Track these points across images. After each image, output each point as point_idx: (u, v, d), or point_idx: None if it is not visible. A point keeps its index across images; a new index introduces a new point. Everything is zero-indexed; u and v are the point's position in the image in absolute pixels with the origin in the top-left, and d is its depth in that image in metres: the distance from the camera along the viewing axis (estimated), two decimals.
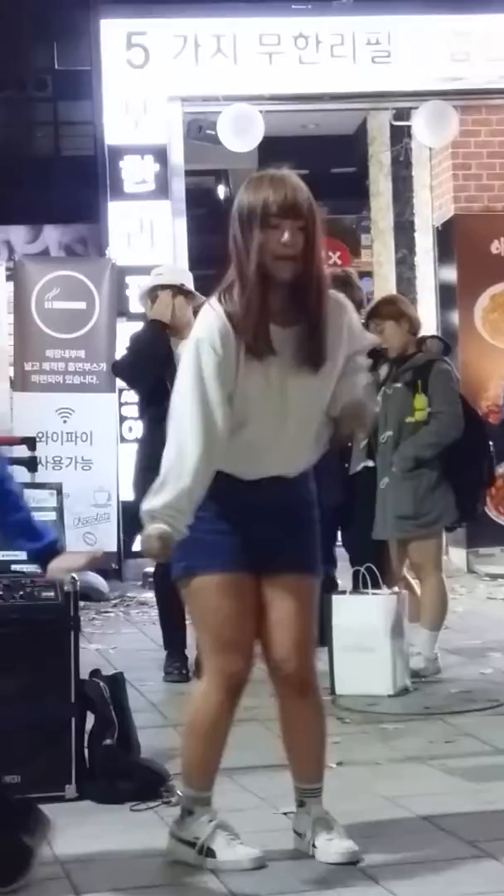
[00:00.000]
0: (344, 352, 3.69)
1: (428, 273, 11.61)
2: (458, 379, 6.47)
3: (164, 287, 6.40)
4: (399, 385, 6.16)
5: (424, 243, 11.67)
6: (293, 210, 3.55)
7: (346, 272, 7.20)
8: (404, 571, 6.43)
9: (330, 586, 6.39)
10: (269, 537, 3.65)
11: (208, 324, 3.55)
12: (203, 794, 3.70)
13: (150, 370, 6.41)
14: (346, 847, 3.63)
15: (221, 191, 15.56)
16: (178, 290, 6.38)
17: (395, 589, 6.31)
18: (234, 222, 3.58)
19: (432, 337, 6.89)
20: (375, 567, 6.06)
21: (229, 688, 3.66)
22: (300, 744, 3.76)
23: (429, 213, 11.49)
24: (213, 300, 3.61)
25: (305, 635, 3.71)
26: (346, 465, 6.52)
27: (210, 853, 3.63)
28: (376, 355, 5.75)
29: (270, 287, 3.56)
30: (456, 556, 9.61)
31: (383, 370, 6.22)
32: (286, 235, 3.53)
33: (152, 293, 6.43)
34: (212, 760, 3.72)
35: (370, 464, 6.45)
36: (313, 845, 3.65)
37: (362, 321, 6.14)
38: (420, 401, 6.18)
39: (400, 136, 12.00)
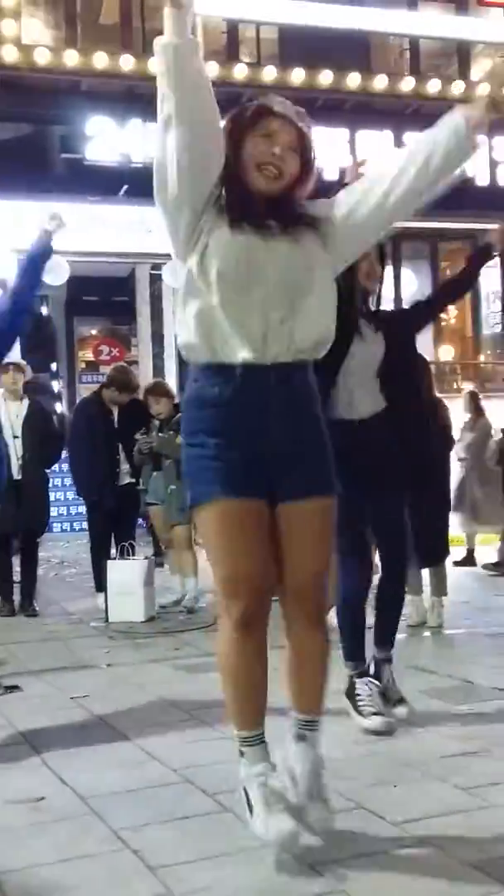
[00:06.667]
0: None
1: (171, 369, 17.40)
2: None
3: None
4: None
5: (170, 350, 16.25)
6: (284, 114, 3.18)
7: None
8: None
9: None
10: (278, 454, 3.15)
11: None
12: (243, 734, 3.22)
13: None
14: (326, 814, 3.24)
15: None
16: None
17: (146, 555, 7.82)
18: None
19: None
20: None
21: (239, 625, 3.15)
22: (304, 673, 3.28)
23: (172, 330, 14.82)
24: None
25: (324, 563, 3.21)
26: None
27: (251, 810, 3.21)
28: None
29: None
30: None
31: None
32: (276, 147, 3.15)
33: None
34: (240, 700, 3.21)
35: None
36: (293, 779, 3.24)
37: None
38: None
39: (155, 279, 16.72)
